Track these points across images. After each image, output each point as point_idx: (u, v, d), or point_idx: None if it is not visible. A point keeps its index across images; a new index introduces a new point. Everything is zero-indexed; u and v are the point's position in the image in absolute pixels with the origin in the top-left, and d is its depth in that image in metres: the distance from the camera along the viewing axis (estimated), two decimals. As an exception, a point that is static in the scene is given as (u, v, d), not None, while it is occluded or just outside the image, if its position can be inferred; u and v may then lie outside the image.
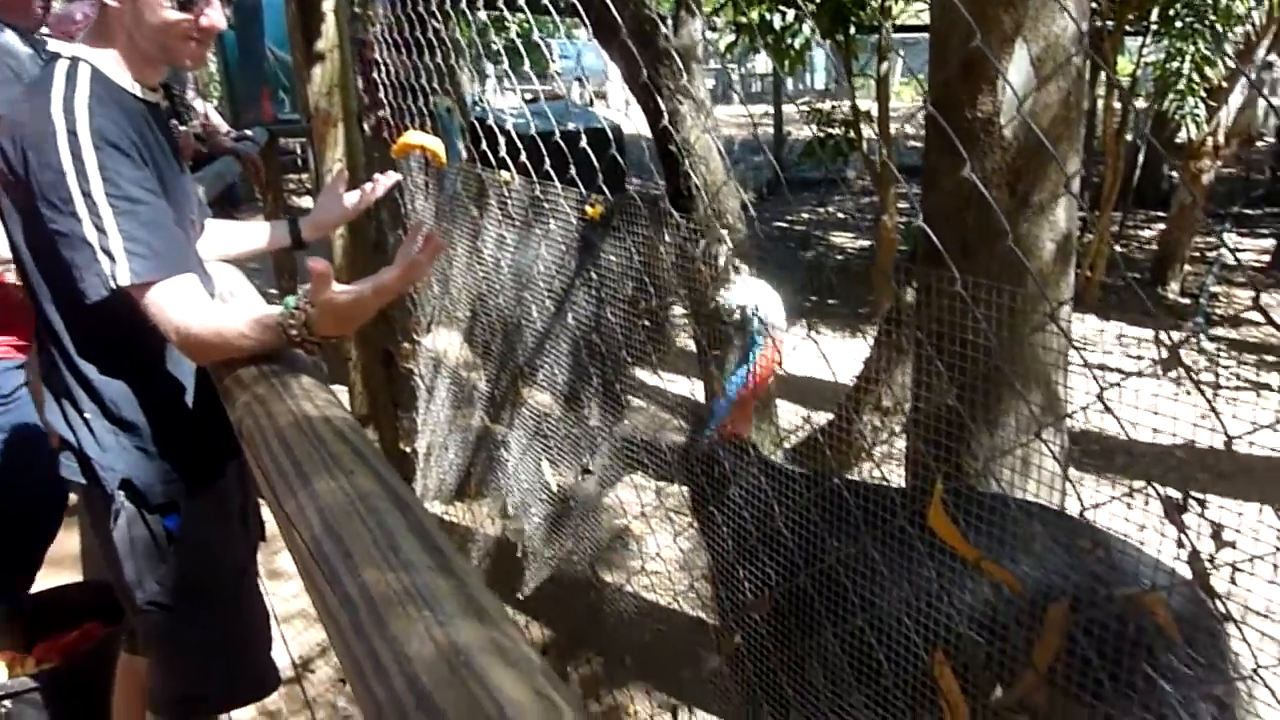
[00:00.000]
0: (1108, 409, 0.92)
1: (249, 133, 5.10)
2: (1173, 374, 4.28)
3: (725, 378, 1.83)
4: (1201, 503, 0.95)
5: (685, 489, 1.89)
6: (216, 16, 1.57)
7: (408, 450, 3.55)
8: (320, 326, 1.45)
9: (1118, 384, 0.93)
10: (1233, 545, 0.95)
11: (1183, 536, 0.92)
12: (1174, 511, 0.94)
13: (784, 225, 9.72)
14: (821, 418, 4.04)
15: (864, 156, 6.73)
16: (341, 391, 3.26)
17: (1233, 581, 0.94)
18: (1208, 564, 0.89)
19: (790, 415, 3.93)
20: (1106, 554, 1.14)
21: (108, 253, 1.43)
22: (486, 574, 2.96)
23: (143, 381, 1.66)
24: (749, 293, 1.68)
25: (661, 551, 2.15)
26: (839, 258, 8.69)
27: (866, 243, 8.99)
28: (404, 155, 2.72)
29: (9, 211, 1.54)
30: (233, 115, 6.99)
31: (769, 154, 9.10)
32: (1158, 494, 0.96)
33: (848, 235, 9.66)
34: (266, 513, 3.82)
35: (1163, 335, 5.28)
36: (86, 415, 1.62)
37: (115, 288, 1.44)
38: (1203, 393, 0.93)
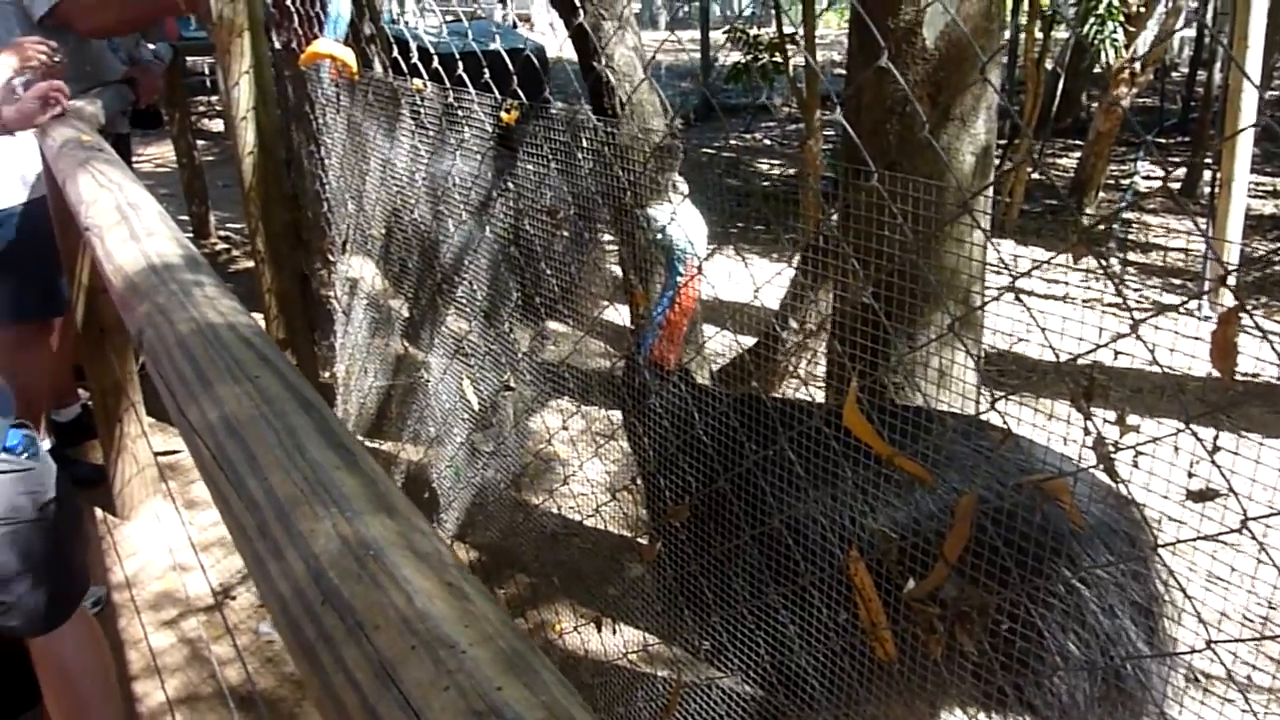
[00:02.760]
0: (1028, 312, 0.93)
1: (153, 47, 4.82)
2: (1085, 295, 4.41)
3: (651, 302, 1.81)
4: (1105, 396, 0.97)
5: (610, 409, 1.89)
6: None
7: (326, 375, 3.48)
8: None
9: (1029, 273, 0.94)
10: (1136, 429, 0.98)
11: (1088, 423, 0.94)
12: (1079, 398, 0.96)
13: (710, 151, 9.66)
14: (748, 342, 4.07)
15: (790, 82, 6.68)
16: (257, 318, 3.17)
17: (1135, 465, 0.97)
18: (1111, 449, 0.92)
19: (717, 340, 3.95)
20: (1015, 446, 1.17)
21: None
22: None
23: None
24: (674, 214, 1.66)
25: (585, 472, 2.15)
26: (765, 184, 8.69)
27: (792, 170, 9.00)
28: (312, 64, 2.60)
29: None
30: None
31: (700, 79, 8.99)
32: (1065, 384, 0.98)
33: (774, 162, 9.66)
34: (175, 443, 3.70)
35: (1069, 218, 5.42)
36: None
37: None
38: (1112, 279, 0.94)
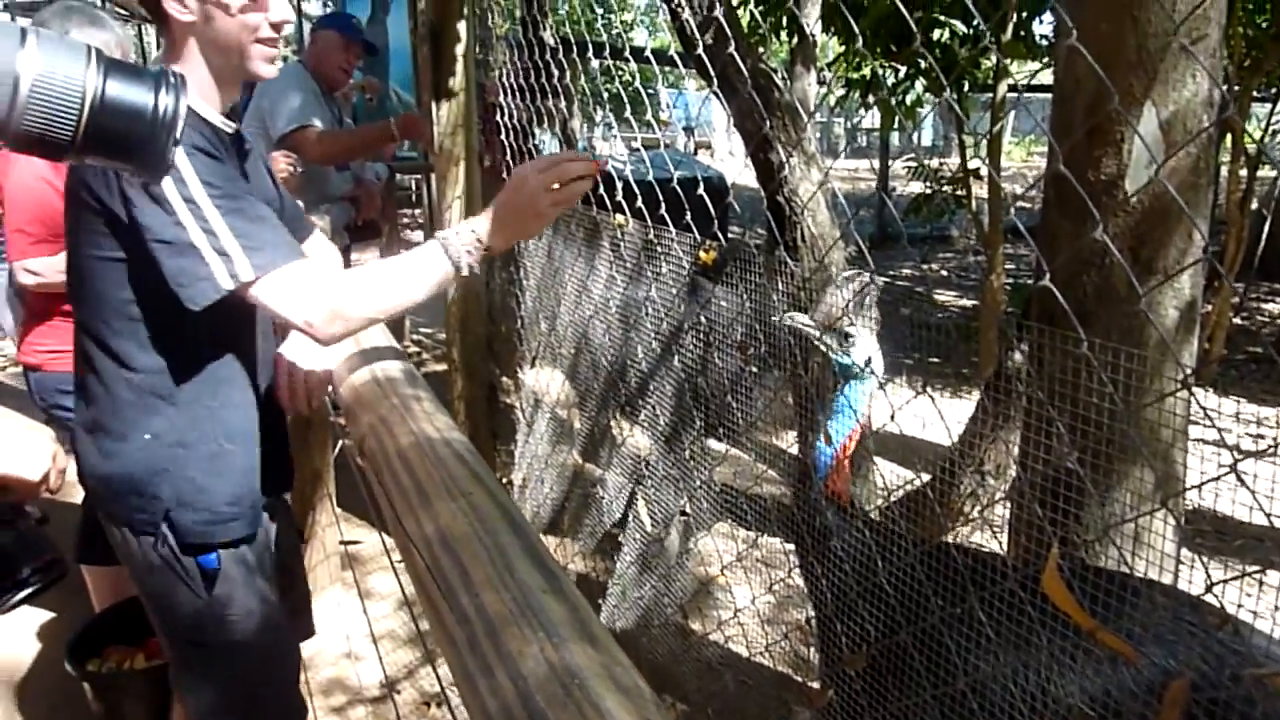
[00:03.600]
0: (1242, 482, 0.90)
1: (373, 166, 5.34)
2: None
3: (828, 427, 1.79)
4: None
5: (785, 541, 1.87)
6: (283, 7, 1.55)
7: (504, 481, 3.63)
8: (493, 236, 1.46)
9: (1252, 455, 0.90)
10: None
11: (1319, 618, 0.88)
12: (1310, 591, 0.90)
13: (887, 279, 9.62)
14: (920, 477, 3.96)
15: (973, 215, 6.63)
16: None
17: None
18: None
19: (890, 475, 3.87)
20: (1234, 631, 1.09)
21: (221, 252, 1.39)
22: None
23: (209, 403, 1.61)
24: (862, 341, 1.68)
25: (755, 602, 2.14)
26: (941, 315, 8.55)
27: (969, 301, 8.83)
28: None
29: (80, 229, 1.52)
30: (359, 153, 7.29)
31: (887, 202, 9.04)
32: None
33: (952, 293, 9.50)
34: (359, 533, 3.90)
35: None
36: (146, 437, 1.56)
37: (232, 287, 1.40)
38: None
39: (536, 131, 2.99)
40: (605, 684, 0.84)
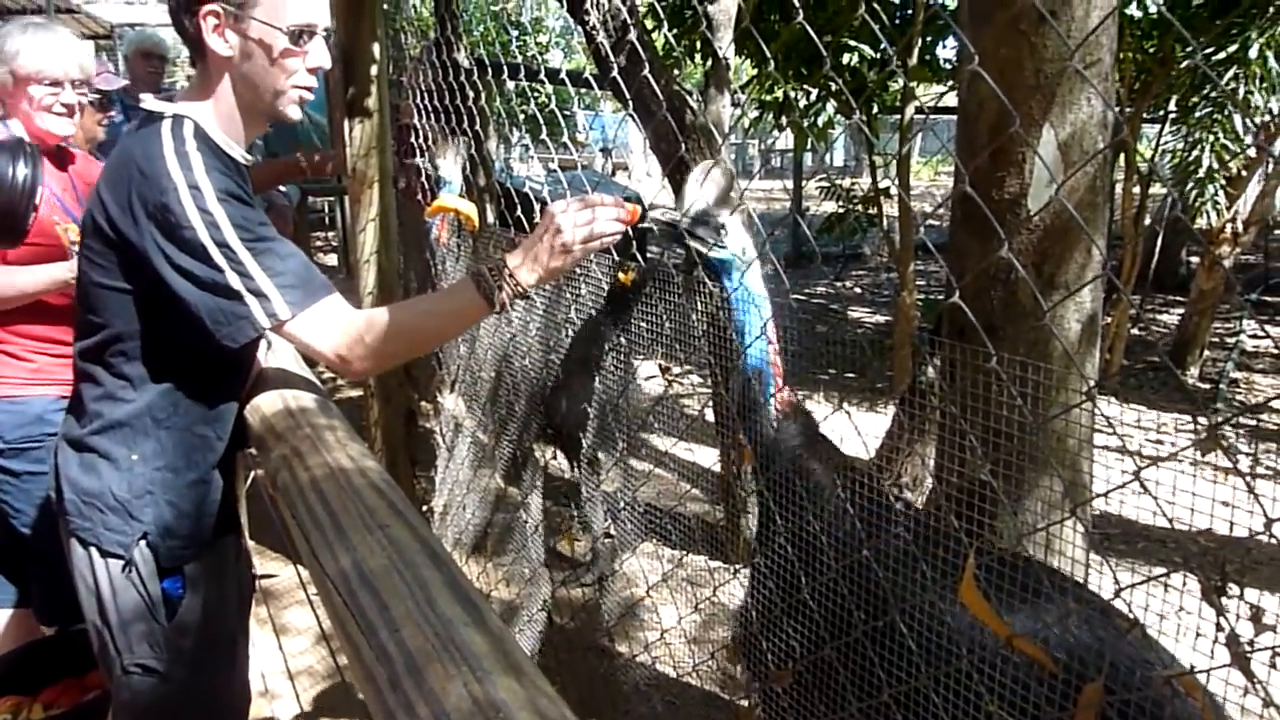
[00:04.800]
0: (1146, 490, 0.93)
1: (283, 189, 5.23)
2: (1193, 458, 4.26)
3: (741, 341, 1.58)
4: (1239, 585, 0.95)
5: (709, 559, 1.85)
6: (322, 53, 1.57)
7: (425, 508, 3.56)
8: (525, 272, 1.46)
9: (1153, 462, 0.93)
10: (1274, 629, 0.95)
11: (1221, 619, 0.92)
12: (1211, 593, 0.94)
13: (802, 298, 9.79)
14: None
15: (884, 233, 6.80)
16: (361, 448, 3.29)
17: (1273, 666, 0.93)
18: (1247, 648, 0.89)
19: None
20: (1143, 635, 1.13)
21: (258, 293, 1.43)
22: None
23: (202, 431, 1.64)
24: (734, 231, 1.56)
25: (681, 622, 2.14)
26: (857, 331, 8.73)
27: (883, 318, 9.04)
28: (436, 216, 2.78)
29: (94, 257, 1.54)
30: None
31: (801, 222, 9.20)
32: (1196, 575, 0.96)
33: (865, 309, 9.72)
34: (272, 566, 3.79)
35: (1201, 418, 5.25)
36: (134, 458, 1.59)
37: (268, 325, 1.44)
38: (1241, 475, 0.93)
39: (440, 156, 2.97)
40: (531, 716, 0.83)
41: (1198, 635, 1.05)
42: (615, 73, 2.57)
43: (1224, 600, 0.93)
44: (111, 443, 1.60)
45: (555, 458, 2.35)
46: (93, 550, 1.61)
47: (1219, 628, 0.92)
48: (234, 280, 1.42)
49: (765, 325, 1.56)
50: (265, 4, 1.50)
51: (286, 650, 3.26)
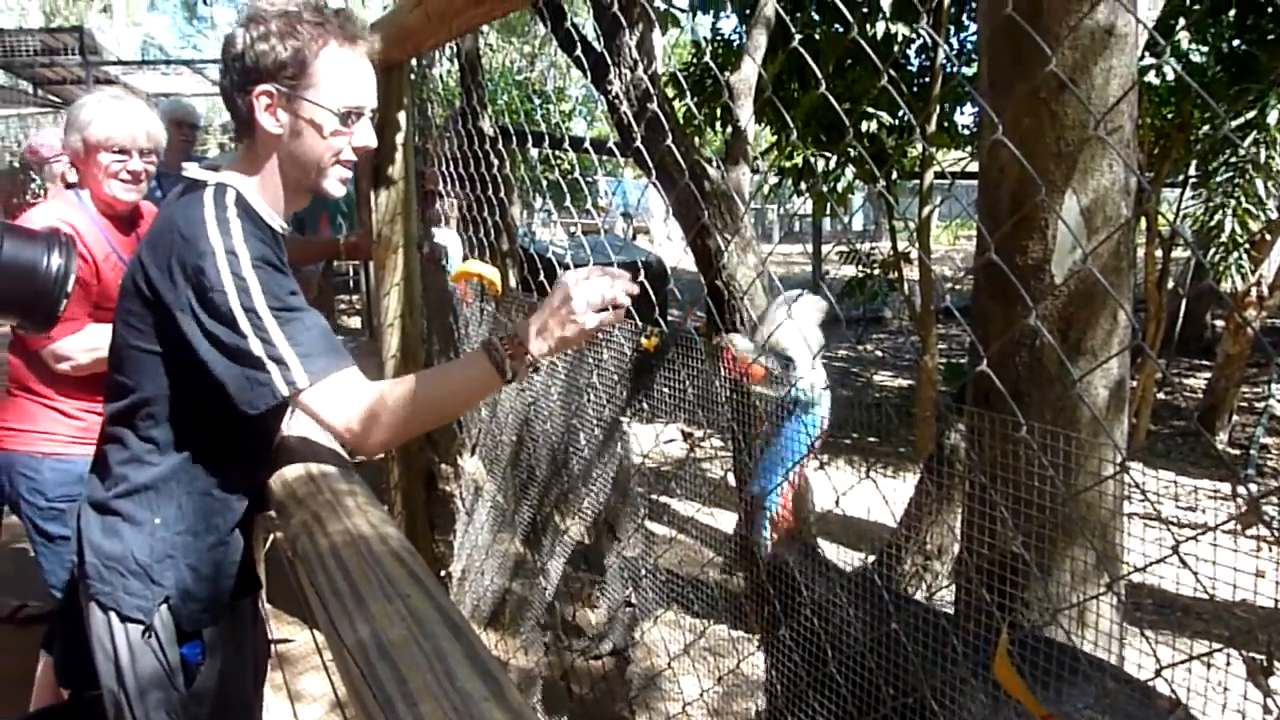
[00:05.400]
0: (1185, 564, 0.90)
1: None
2: (1229, 527, 4.17)
3: (770, 457, 1.58)
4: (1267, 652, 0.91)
5: (732, 628, 1.80)
6: (369, 133, 1.61)
7: (443, 574, 3.53)
8: (536, 343, 1.46)
9: (1193, 538, 0.91)
10: (1323, 712, 0.91)
11: (1269, 701, 0.88)
12: (1257, 674, 0.90)
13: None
14: (859, 558, 3.95)
15: (905, 297, 6.80)
16: (381, 512, 3.27)
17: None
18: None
19: (831, 555, 3.85)
20: (1187, 715, 1.09)
21: (279, 360, 1.43)
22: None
23: (224, 495, 1.64)
24: (814, 373, 1.57)
25: (704, 695, 2.09)
26: (878, 395, 8.68)
27: (905, 381, 9.00)
28: (461, 282, 2.81)
29: (130, 319, 1.56)
30: (294, 239, 7.28)
31: (823, 287, 9.21)
32: (1240, 654, 0.93)
33: (887, 374, 9.68)
34: (289, 631, 3.75)
35: (1240, 489, 5.15)
36: (157, 521, 1.58)
37: (287, 393, 1.44)
38: (1262, 518, 0.91)
39: (481, 220, 3.00)
40: (551, 798, 0.80)
41: (1243, 716, 1.01)
42: (638, 141, 2.61)
43: (1270, 680, 0.89)
44: (135, 506, 1.59)
45: (576, 524, 2.33)
46: (112, 615, 1.60)
47: (1267, 710, 0.89)
48: (256, 346, 1.43)
49: (792, 466, 1.56)
50: (318, 85, 1.53)
51: (301, 717, 3.20)
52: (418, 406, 1.48)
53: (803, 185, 6.49)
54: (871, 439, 6.74)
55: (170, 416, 1.57)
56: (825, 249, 12.92)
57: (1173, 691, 1.02)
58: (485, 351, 1.49)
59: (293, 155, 1.57)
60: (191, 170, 1.63)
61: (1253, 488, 5.67)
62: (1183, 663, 0.95)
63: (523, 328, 1.48)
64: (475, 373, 1.49)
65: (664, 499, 3.99)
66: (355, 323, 11.68)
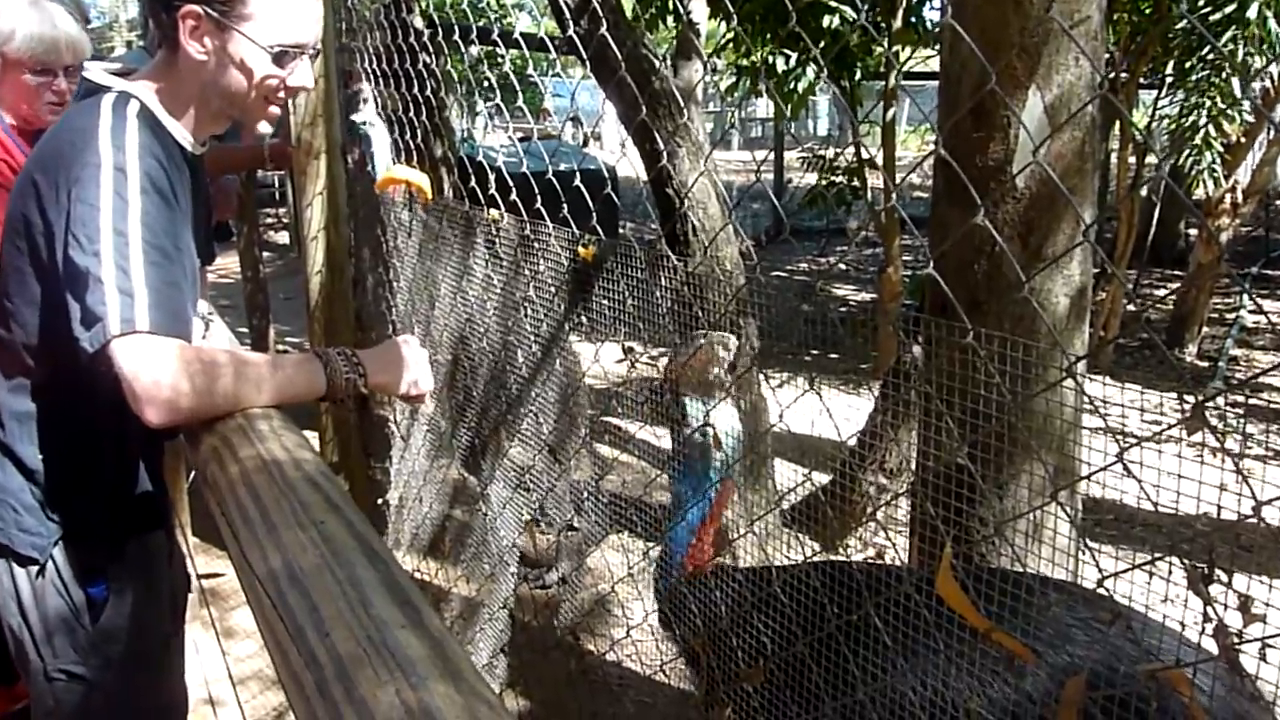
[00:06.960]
0: (1129, 472, 0.92)
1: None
2: (1192, 438, 4.29)
3: (683, 506, 1.76)
4: (1228, 573, 0.94)
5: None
6: (306, 74, 1.52)
7: (379, 501, 3.52)
8: (374, 372, 1.52)
9: (1137, 443, 0.92)
10: (1263, 619, 0.94)
11: (1208, 609, 0.91)
12: (1198, 582, 0.93)
13: (784, 275, 9.79)
14: (821, 477, 4.03)
15: (869, 206, 6.80)
16: (311, 438, 3.23)
17: (1263, 658, 0.92)
18: (1235, 639, 0.88)
19: (789, 474, 3.92)
20: (1127, 628, 1.13)
21: (125, 293, 1.31)
22: (458, 636, 2.92)
23: (115, 425, 1.53)
24: (722, 416, 1.66)
25: (650, 617, 2.13)
26: (841, 309, 8.75)
27: (869, 295, 9.06)
28: (388, 189, 2.74)
29: (15, 240, 1.48)
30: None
31: (773, 198, 9.19)
32: (1181, 563, 0.96)
33: (850, 287, 9.74)
34: (218, 565, 3.75)
35: (1186, 396, 5.30)
36: (45, 454, 1.54)
37: (118, 331, 1.29)
38: (1230, 456, 0.93)
39: (415, 122, 2.91)
40: (467, 726, 0.81)
41: (1183, 626, 1.05)
42: (572, 30, 2.54)
43: (1211, 589, 0.92)
44: (20, 438, 1.55)
45: (517, 445, 2.33)
46: (9, 556, 1.57)
47: (1206, 618, 0.92)
48: (108, 271, 1.31)
49: (704, 504, 1.70)
50: (253, 17, 1.43)
51: (232, 655, 3.22)
52: (224, 389, 1.39)
53: (760, 85, 6.40)
54: (832, 355, 6.81)
55: (52, 342, 1.49)
56: (789, 155, 12.84)
57: (1112, 601, 1.05)
58: (321, 362, 1.47)
59: (217, 85, 1.48)
60: (94, 72, 1.53)
61: (1220, 401, 5.83)
62: (1123, 572, 0.97)
63: (366, 354, 1.53)
64: (300, 377, 1.46)
65: (606, 418, 4.01)
66: (283, 238, 11.44)
